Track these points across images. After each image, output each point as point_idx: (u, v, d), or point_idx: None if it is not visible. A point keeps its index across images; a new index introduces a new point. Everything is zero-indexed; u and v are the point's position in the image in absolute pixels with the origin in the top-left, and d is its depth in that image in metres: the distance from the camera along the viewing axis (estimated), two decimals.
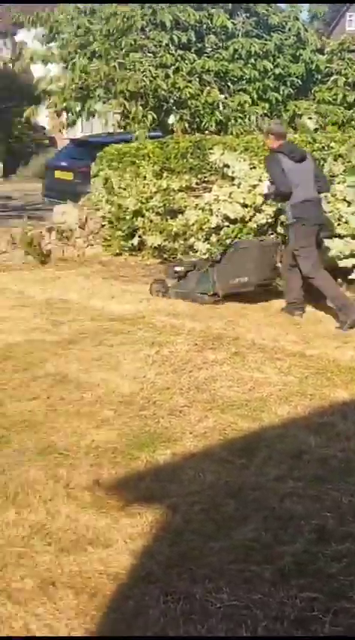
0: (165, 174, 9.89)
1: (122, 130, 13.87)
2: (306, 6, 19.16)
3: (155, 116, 12.63)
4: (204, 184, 9.59)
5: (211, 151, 9.43)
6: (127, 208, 10.37)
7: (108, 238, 10.86)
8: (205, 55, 12.78)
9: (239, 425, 5.02)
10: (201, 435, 4.85)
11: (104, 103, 13.31)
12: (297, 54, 13.24)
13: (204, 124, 12.78)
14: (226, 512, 3.93)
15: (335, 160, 8.46)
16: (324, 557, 3.50)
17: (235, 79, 12.79)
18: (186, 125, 12.80)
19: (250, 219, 8.88)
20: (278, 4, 14.06)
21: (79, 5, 13.53)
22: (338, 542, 3.61)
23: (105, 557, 3.48)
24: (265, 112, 12.78)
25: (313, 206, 7.56)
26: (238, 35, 12.83)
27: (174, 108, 12.87)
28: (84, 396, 5.44)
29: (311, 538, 3.65)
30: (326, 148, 8.70)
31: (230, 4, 13.13)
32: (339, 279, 8.21)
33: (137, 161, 10.33)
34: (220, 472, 4.36)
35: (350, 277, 8.20)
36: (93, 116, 13.84)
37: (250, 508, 3.96)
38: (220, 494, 4.11)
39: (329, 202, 8.19)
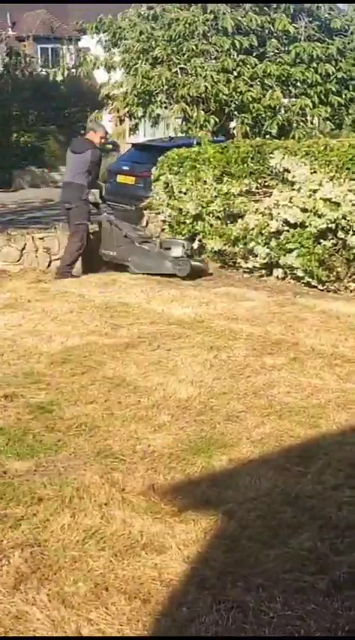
0: (225, 179, 9.85)
1: (183, 135, 13.90)
2: None
3: (217, 120, 12.63)
4: (264, 189, 9.55)
5: (271, 155, 9.36)
6: (187, 212, 10.38)
7: None
8: (267, 59, 12.72)
9: (296, 432, 4.97)
10: (258, 441, 4.82)
11: (166, 107, 13.35)
12: None
13: (265, 127, 12.73)
14: (282, 519, 3.90)
15: None
16: None
17: (297, 83, 12.71)
18: (248, 129, 12.75)
19: (310, 224, 8.81)
20: (340, 6, 13.91)
21: (141, 11, 13.61)
22: None
23: (158, 563, 3.48)
24: (327, 115, 12.66)
25: (62, 188, 10.27)
26: (300, 39, 12.74)
27: (236, 112, 12.85)
28: (141, 401, 5.46)
29: None
30: None
31: (291, 9, 13.04)
32: None
33: (197, 165, 10.33)
34: (277, 479, 4.32)
35: None
36: (156, 122, 13.92)
37: (306, 516, 3.92)
38: (276, 501, 4.08)
39: None
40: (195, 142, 12.13)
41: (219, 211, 9.92)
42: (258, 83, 12.53)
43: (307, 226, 8.88)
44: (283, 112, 12.61)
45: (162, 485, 4.23)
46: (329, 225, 8.69)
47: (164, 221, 11.05)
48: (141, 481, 4.25)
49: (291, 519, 3.90)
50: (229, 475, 4.38)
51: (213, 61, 12.70)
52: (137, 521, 3.83)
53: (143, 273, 9.68)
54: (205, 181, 10.11)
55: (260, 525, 3.83)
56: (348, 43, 13.01)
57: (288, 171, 9.08)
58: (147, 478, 4.29)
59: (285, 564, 3.49)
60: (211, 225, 10.13)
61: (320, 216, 8.70)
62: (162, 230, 11.06)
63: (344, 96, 12.85)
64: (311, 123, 12.85)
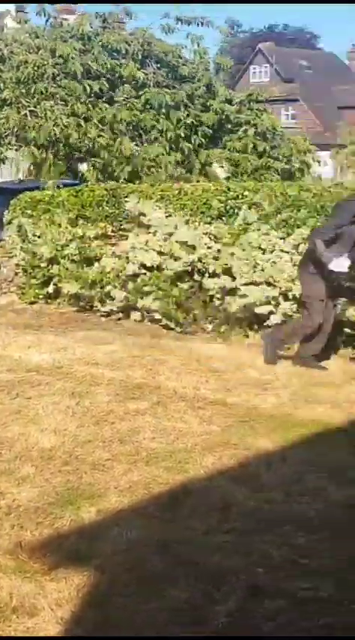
0: (80, 222, 9.83)
1: (33, 178, 13.79)
2: (212, 57, 19.48)
3: (66, 165, 12.61)
4: (120, 232, 9.57)
5: (127, 199, 9.43)
6: (42, 256, 10.24)
7: (23, 286, 10.68)
8: (118, 104, 12.84)
9: (164, 478, 4.92)
10: (126, 490, 4.74)
11: (16, 150, 13.22)
12: (208, 104, 13.44)
13: (116, 173, 12.81)
14: (154, 570, 3.82)
15: (250, 208, 8.55)
16: (258, 615, 3.42)
17: (147, 129, 12.88)
18: (98, 173, 12.79)
19: (167, 267, 8.89)
20: (185, 55, 14.23)
21: None
22: (271, 598, 3.53)
23: (31, 627, 3.32)
24: (177, 160, 12.87)
25: None
26: (149, 85, 12.94)
27: (86, 156, 12.88)
28: (2, 453, 5.26)
29: (244, 595, 3.56)
30: (240, 196, 8.79)
31: (140, 55, 13.23)
32: (255, 326, 8.34)
33: (51, 209, 10.24)
34: (147, 527, 4.25)
35: (265, 323, 8.25)
36: (4, 163, 13.76)
37: (179, 565, 3.85)
38: (147, 551, 3.99)
39: (244, 250, 8.27)
40: (42, 186, 12.04)
41: (75, 255, 9.84)
42: (109, 128, 12.62)
43: (164, 269, 8.95)
44: (134, 158, 12.73)
45: (29, 541, 4.06)
46: (186, 268, 8.80)
47: (18, 265, 10.86)
48: (7, 539, 4.07)
49: (163, 569, 3.82)
50: (98, 527, 4.27)
51: (63, 104, 12.71)
52: (5, 582, 3.65)
53: None
54: (60, 225, 10.03)
55: (132, 578, 3.73)
56: (196, 90, 13.35)
57: (144, 215, 9.16)
58: (13, 535, 4.11)
59: (160, 617, 3.40)
60: (67, 269, 10.03)
61: (176, 259, 8.80)
62: (16, 274, 10.87)
63: (193, 141, 13.13)
64: (162, 168, 13.03)
